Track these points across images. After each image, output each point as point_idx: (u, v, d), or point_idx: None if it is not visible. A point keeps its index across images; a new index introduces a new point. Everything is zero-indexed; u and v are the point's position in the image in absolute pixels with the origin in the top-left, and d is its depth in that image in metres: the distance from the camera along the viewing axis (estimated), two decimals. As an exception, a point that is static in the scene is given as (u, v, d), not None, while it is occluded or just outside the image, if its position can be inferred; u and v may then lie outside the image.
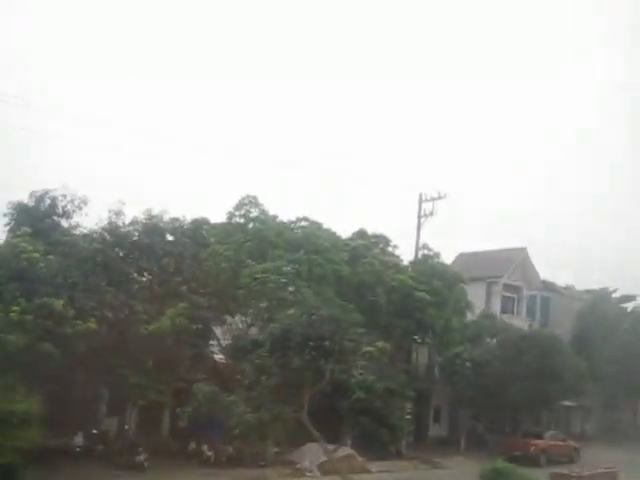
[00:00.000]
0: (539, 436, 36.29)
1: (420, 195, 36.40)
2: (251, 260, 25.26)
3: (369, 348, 18.07)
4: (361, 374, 18.05)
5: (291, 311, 16.28)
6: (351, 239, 31.99)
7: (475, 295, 44.69)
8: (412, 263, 30.71)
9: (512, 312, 46.84)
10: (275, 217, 28.00)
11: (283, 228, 27.06)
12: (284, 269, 24.76)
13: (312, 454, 29.80)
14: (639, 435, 51.43)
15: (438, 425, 39.77)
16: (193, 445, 28.41)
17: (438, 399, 39.19)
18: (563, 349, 37.93)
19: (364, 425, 17.29)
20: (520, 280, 47.08)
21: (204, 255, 26.55)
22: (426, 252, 31.68)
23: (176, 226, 27.53)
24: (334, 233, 30.04)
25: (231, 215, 27.46)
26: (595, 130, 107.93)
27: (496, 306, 45.32)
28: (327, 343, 15.89)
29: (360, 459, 30.90)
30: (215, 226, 27.97)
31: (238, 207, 27.44)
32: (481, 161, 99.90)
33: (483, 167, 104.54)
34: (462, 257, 50.44)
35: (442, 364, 37.65)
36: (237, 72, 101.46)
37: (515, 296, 47.08)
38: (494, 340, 37.96)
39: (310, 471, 28.96)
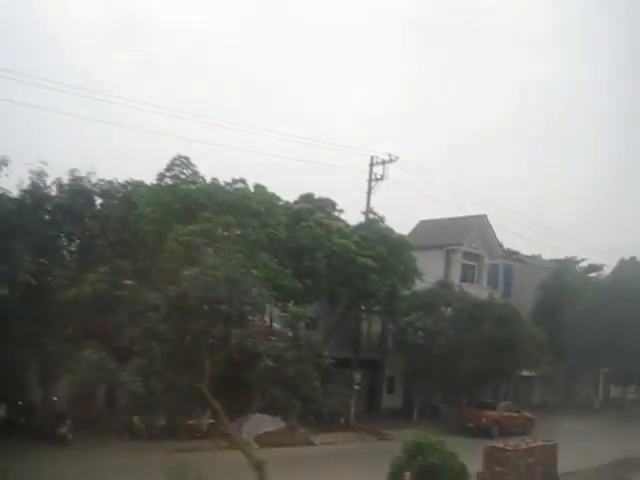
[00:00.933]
0: (492, 407, 35.40)
1: (371, 158, 35.04)
2: (179, 223, 23.79)
3: (283, 314, 16.88)
4: (274, 341, 16.76)
5: (187, 272, 14.87)
6: (296, 203, 30.69)
7: (435, 263, 43.87)
8: (356, 228, 29.37)
9: (473, 281, 45.78)
10: (209, 179, 26.53)
11: (215, 190, 25.62)
12: (212, 232, 23.32)
13: (250, 426, 28.78)
14: (601, 405, 51.11)
15: (393, 396, 38.79)
16: (125, 417, 27.12)
17: (392, 369, 38.12)
18: (519, 318, 36.97)
19: (274, 396, 15.93)
20: (481, 248, 45.99)
21: (132, 218, 25.13)
22: (371, 216, 30.31)
23: (105, 188, 26.09)
24: (273, 196, 28.67)
25: (162, 176, 25.97)
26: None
27: (456, 274, 44.24)
28: (224, 307, 14.61)
29: (303, 431, 29.94)
30: (146, 188, 26.50)
31: (169, 168, 25.95)
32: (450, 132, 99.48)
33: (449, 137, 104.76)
34: (423, 225, 49.38)
35: (394, 333, 36.56)
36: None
37: (476, 264, 46.03)
38: (449, 309, 36.71)
39: (248, 443, 27.87)
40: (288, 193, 30.84)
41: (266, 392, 15.76)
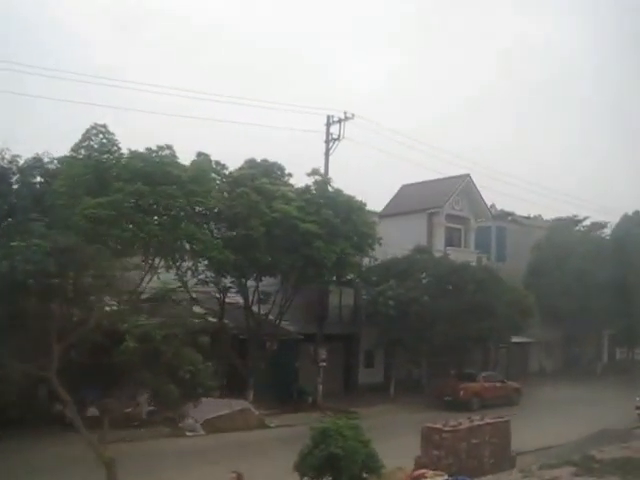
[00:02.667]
0: (472, 378, 32.88)
1: (328, 118, 32.42)
2: (90, 195, 21.60)
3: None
4: (145, 319, 14.47)
5: (15, 243, 12.62)
6: (241, 169, 28.26)
7: (417, 228, 41.34)
8: (301, 192, 26.85)
9: (459, 245, 43.07)
10: (127, 149, 24.14)
11: (132, 158, 23.29)
12: (121, 204, 21.15)
13: (198, 410, 26.70)
14: (603, 369, 48.38)
15: (372, 371, 36.44)
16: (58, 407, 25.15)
17: (368, 343, 35.67)
18: (498, 282, 34.24)
19: (145, 381, 13.68)
20: (466, 210, 43.21)
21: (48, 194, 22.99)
22: (317, 178, 27.71)
23: (19, 165, 24.00)
24: (206, 161, 26.25)
25: (77, 147, 23.69)
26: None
27: (440, 239, 41.61)
28: (55, 281, 12.35)
29: (258, 413, 27.86)
30: (61, 161, 24.28)
31: (85, 138, 23.64)
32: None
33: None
34: (405, 189, 46.76)
35: (366, 305, 34.13)
36: None
37: (462, 227, 43.31)
38: (424, 276, 34.12)
39: (192, 430, 25.89)
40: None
41: (136, 377, 13.44)
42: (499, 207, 51.96)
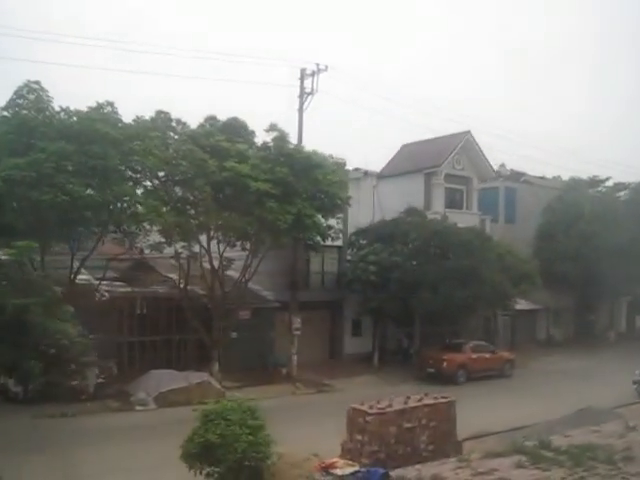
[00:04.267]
0: (458, 348, 30.64)
1: (302, 71, 30.01)
2: (15, 157, 19.86)
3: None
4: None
5: None
6: (200, 126, 26.23)
7: (415, 189, 38.95)
8: (258, 149, 24.61)
9: (461, 207, 40.45)
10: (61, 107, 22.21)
11: (61, 117, 21.42)
12: (45, 164, 19.36)
13: (151, 383, 25.31)
14: (618, 337, 45.59)
15: (359, 340, 34.42)
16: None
17: (356, 311, 33.60)
18: (490, 246, 31.74)
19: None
20: (468, 170, 40.46)
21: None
22: (275, 134, 25.39)
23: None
24: (162, 119, 24.35)
25: (7, 106, 21.87)
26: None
27: (439, 200, 39.08)
28: None
29: (219, 386, 26.20)
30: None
31: (18, 96, 21.78)
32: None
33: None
34: (405, 148, 44.21)
35: (348, 271, 32.05)
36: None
37: (464, 188, 40.61)
38: (409, 239, 31.78)
39: (144, 404, 24.39)
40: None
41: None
42: (511, 167, 48.84)
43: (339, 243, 33.32)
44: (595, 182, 50.82)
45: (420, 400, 16.50)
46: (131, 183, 22.12)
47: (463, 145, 39.57)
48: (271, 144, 24.72)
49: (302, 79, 29.69)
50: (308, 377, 29.48)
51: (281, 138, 24.77)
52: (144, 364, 27.30)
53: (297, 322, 29.25)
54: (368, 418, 15.10)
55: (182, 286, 27.28)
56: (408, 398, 16.69)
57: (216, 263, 26.61)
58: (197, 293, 28.60)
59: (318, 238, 25.24)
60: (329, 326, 34.13)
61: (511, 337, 40.57)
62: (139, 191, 23.69)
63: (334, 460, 14.15)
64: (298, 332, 29.22)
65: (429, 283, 29.31)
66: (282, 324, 30.46)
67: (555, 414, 22.46)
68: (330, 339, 34.05)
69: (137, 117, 22.99)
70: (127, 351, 27.84)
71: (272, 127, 25.07)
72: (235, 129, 25.94)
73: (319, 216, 24.70)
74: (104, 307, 27.37)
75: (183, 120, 25.94)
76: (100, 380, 24.72)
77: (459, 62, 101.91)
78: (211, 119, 25.98)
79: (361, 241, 33.41)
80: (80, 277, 28.31)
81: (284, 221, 23.03)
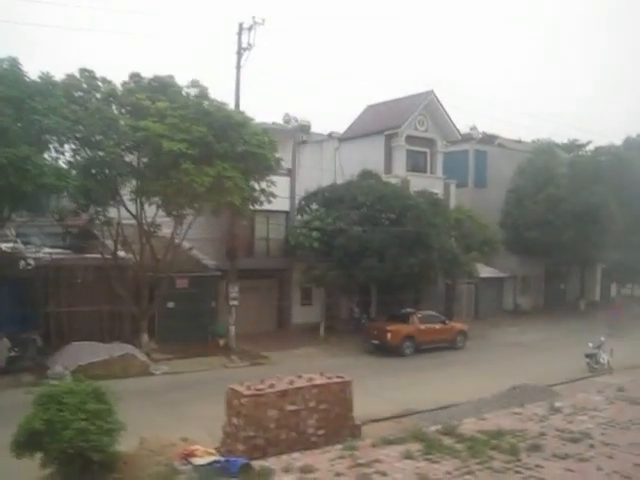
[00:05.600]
0: (404, 319, 29.04)
1: (240, 25, 27.95)
2: None
3: None
4: None
5: None
6: (123, 84, 24.34)
7: (376, 152, 37.10)
8: (178, 107, 22.69)
9: (425, 170, 38.56)
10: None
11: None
12: None
13: (70, 356, 23.81)
14: (585, 307, 44.02)
15: (309, 309, 32.85)
16: None
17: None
18: (441, 210, 29.97)
19: None
20: (432, 131, 38.49)
21: None
22: (196, 90, 23.42)
23: None
24: (85, 77, 22.52)
25: None
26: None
27: (400, 163, 37.20)
28: None
29: (143, 359, 24.77)
30: None
31: None
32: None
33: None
34: (370, 109, 42.28)
35: (290, 238, 30.37)
36: None
37: (428, 151, 38.67)
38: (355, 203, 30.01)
39: (60, 378, 22.86)
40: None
41: None
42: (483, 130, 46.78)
43: (285, 208, 31.68)
44: (575, 146, 48.91)
45: (310, 380, 14.91)
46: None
47: (426, 105, 37.58)
48: (190, 101, 22.76)
49: (240, 34, 27.77)
50: (247, 349, 28.00)
51: (201, 95, 22.85)
52: (72, 336, 25.72)
53: (234, 291, 27.64)
54: (243, 400, 13.56)
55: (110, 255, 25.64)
56: (299, 377, 15.14)
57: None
58: (128, 261, 26.99)
59: (240, 202, 23.18)
60: (277, 295, 32.51)
61: (475, 306, 39.01)
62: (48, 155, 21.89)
63: (194, 447, 12.65)
64: (235, 302, 27.64)
65: (375, 250, 27.61)
66: (224, 293, 28.93)
67: (491, 391, 21.06)
68: (278, 308, 32.48)
69: (42, 73, 21.05)
70: (54, 323, 26.24)
71: (193, 83, 23.20)
72: (162, 87, 24.02)
73: (242, 179, 22.72)
74: (29, 276, 25.91)
75: (109, 79, 24.07)
76: (13, 353, 23.20)
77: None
78: (136, 77, 24.06)
79: (312, 206, 31.61)
80: (6, 245, 26.81)
81: (201, 183, 21.23)
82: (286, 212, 31.78)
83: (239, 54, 27.75)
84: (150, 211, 25.38)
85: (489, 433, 14.86)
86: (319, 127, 44.35)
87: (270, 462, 12.83)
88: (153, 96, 23.25)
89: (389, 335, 27.52)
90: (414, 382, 23.38)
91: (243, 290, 29.57)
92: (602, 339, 26.22)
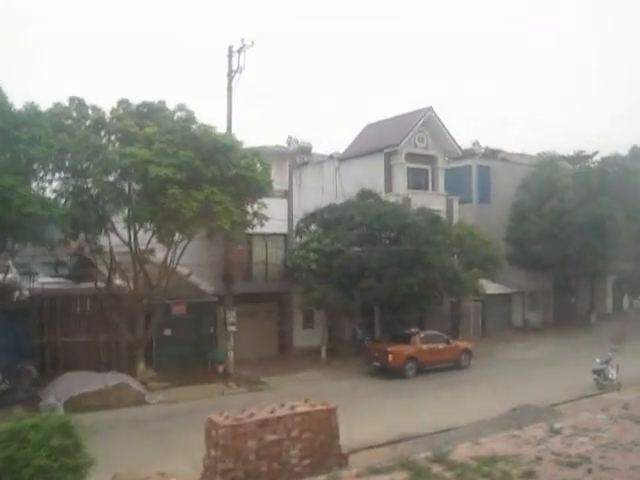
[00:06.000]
0: (407, 339, 28.41)
1: (230, 48, 27.76)
2: None
3: None
4: None
5: None
6: (112, 111, 24.14)
7: (375, 170, 36.74)
8: (165, 132, 22.37)
9: (427, 187, 38.10)
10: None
11: None
12: None
13: (62, 387, 23.42)
14: (597, 321, 43.09)
15: (311, 332, 32.29)
16: None
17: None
18: (440, 227, 29.43)
19: None
20: (432, 148, 38.05)
21: None
22: (181, 114, 23.14)
23: None
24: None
25: None
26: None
27: (401, 181, 36.77)
28: None
29: (139, 389, 24.33)
30: None
31: None
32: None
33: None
34: (369, 128, 41.97)
35: (287, 260, 29.94)
36: None
37: (429, 167, 38.21)
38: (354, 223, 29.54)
39: (52, 409, 22.48)
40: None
41: None
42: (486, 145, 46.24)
43: (284, 230, 31.31)
44: (581, 157, 48.21)
45: (292, 408, 14.38)
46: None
47: (425, 122, 37.19)
48: (177, 125, 22.49)
49: (230, 57, 27.56)
50: (246, 374, 27.49)
51: (188, 119, 22.58)
52: (68, 367, 25.38)
53: (232, 316, 27.21)
54: (220, 431, 13.06)
55: (104, 283, 25.35)
56: (282, 406, 14.61)
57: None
58: (123, 289, 26.66)
59: (230, 226, 22.73)
60: (278, 319, 32.02)
61: (482, 323, 38.26)
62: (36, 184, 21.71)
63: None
64: (233, 327, 27.20)
65: (373, 270, 27.11)
66: (222, 319, 28.53)
67: (494, 412, 20.42)
68: (279, 332, 31.97)
69: (27, 103, 20.90)
70: (50, 353, 25.93)
71: (180, 107, 22.94)
72: (151, 112, 23.80)
73: (231, 202, 22.34)
74: (24, 306, 25.72)
75: (99, 106, 23.90)
76: (4, 386, 22.85)
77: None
78: (124, 103, 23.86)
79: (310, 227, 31.21)
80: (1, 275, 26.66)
81: (189, 208, 20.88)
82: (284, 234, 31.40)
83: (230, 77, 27.55)
84: (144, 237, 25.05)
85: (482, 459, 14.21)
86: (322, 148, 44.16)
87: (248, 496, 12.30)
88: (141, 122, 23.01)
89: (390, 357, 26.91)
90: (415, 405, 22.77)
91: (242, 315, 29.16)
92: (610, 354, 25.48)
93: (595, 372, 24.82)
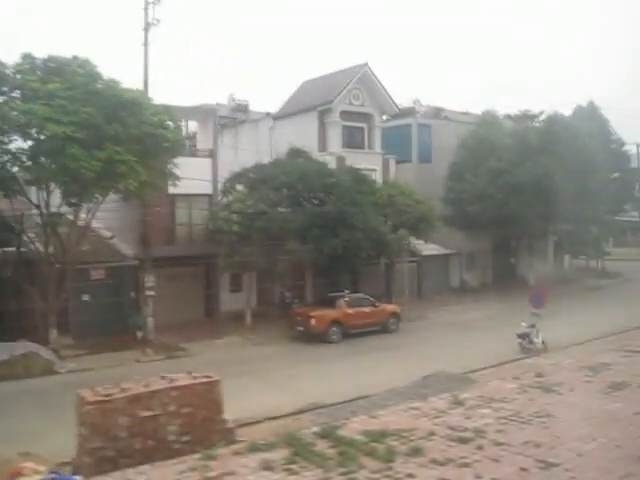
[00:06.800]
0: (332, 303, 27.68)
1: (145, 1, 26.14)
2: None
3: None
4: None
5: None
6: (18, 65, 22.46)
7: (309, 129, 35.57)
8: (66, 89, 20.82)
9: (362, 146, 37.08)
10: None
11: None
12: None
13: (-32, 358, 22.30)
14: (535, 281, 42.87)
15: (239, 296, 31.32)
16: None
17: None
18: (366, 188, 28.59)
19: None
20: (369, 105, 36.98)
21: None
22: (85, 69, 21.51)
23: None
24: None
25: None
26: None
27: (335, 140, 35.68)
28: None
29: (48, 357, 23.28)
30: None
31: None
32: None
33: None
34: (305, 85, 40.68)
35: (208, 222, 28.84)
36: None
37: (365, 126, 37.16)
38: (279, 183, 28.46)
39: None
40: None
41: None
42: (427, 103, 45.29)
43: (209, 191, 30.18)
44: (527, 117, 47.52)
45: (171, 382, 13.47)
46: None
47: (360, 79, 36.05)
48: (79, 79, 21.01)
49: (146, 10, 25.95)
50: (166, 340, 26.56)
51: (90, 74, 21.11)
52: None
53: (150, 281, 26.17)
54: (87, 408, 12.12)
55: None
56: (162, 378, 13.70)
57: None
58: (37, 254, 25.34)
59: (136, 187, 21.48)
60: (205, 282, 31.05)
61: (418, 285, 37.75)
62: None
63: (23, 465, 11.25)
64: (152, 292, 26.17)
65: (296, 232, 26.18)
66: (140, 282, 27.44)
67: (412, 378, 19.88)
68: (206, 297, 31.02)
69: None
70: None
71: (83, 63, 21.42)
72: (60, 68, 22.19)
73: (138, 162, 21.08)
74: None
75: (1, 61, 22.23)
76: None
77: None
78: (28, 57, 22.21)
79: (237, 188, 30.09)
80: None
81: (90, 169, 19.61)
82: (209, 195, 30.20)
83: (146, 30, 25.99)
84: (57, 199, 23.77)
85: (372, 434, 13.44)
86: (266, 107, 42.84)
87: (112, 477, 11.41)
88: (48, 78, 21.49)
89: (313, 321, 26.17)
90: (332, 372, 22.16)
91: (166, 279, 28.21)
92: (536, 317, 25.05)
93: (520, 336, 24.43)
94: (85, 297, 26.69)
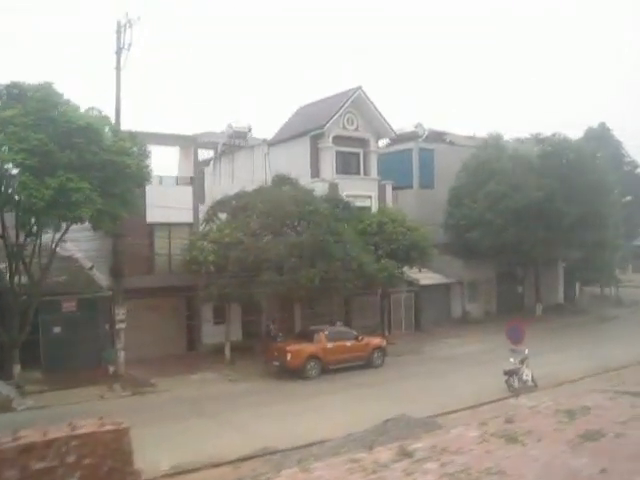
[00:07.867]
0: (310, 337, 26.37)
1: (118, 24, 25.39)
2: None
3: None
4: None
5: None
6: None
7: (302, 154, 34.62)
8: (24, 114, 19.91)
9: (358, 172, 35.92)
10: None
11: None
12: None
13: None
14: (542, 312, 41.07)
15: (223, 328, 30.12)
16: None
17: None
18: (348, 215, 27.34)
19: None
20: (364, 130, 35.88)
21: None
22: (42, 94, 20.54)
23: None
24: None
25: None
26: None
27: (328, 165, 34.59)
28: None
29: (6, 394, 22.28)
30: None
31: None
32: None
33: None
34: (301, 111, 39.74)
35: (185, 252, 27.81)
36: None
37: (360, 151, 36.02)
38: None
39: None
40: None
41: None
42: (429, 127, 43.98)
43: (189, 220, 29.24)
44: (538, 140, 45.91)
45: (73, 430, 12.24)
46: None
47: (353, 103, 34.99)
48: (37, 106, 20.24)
49: (118, 33, 25.26)
50: (137, 375, 25.46)
51: (44, 99, 20.32)
52: None
53: (120, 313, 25.16)
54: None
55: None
56: (69, 425, 12.46)
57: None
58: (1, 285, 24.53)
59: (91, 215, 20.54)
60: (186, 314, 29.97)
61: (416, 316, 36.20)
62: None
63: None
64: (122, 324, 25.15)
65: (272, 262, 25.02)
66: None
67: (378, 421, 18.43)
68: (187, 328, 29.92)
69: None
70: None
71: (40, 88, 20.67)
72: (23, 94, 21.49)
73: (94, 190, 20.18)
74: None
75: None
76: None
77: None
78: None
79: (220, 216, 29.10)
80: None
81: (40, 197, 18.77)
82: (190, 224, 29.23)
83: (118, 54, 25.27)
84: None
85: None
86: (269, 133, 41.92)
87: None
88: (9, 104, 20.79)
89: (289, 356, 24.86)
90: (299, 411, 20.87)
91: (143, 310, 27.23)
92: (526, 352, 23.43)
93: (507, 373, 22.82)
94: (56, 329, 25.79)
